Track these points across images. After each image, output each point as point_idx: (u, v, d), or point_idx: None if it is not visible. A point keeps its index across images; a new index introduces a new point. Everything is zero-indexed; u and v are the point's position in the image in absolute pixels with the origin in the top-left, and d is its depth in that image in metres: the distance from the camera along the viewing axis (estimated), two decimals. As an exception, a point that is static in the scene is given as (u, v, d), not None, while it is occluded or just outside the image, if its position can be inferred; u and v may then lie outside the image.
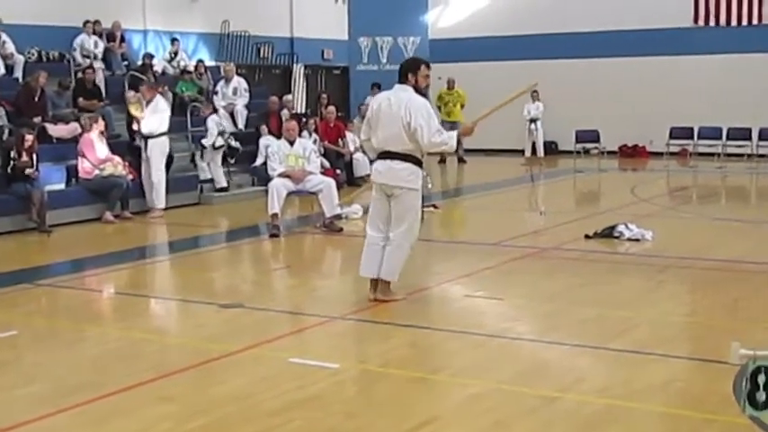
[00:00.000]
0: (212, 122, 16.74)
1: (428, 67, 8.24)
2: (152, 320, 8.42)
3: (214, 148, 16.48)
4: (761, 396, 3.03)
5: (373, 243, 8.17)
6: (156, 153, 14.64)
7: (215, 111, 17.59)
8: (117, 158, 14.46)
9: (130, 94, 15.94)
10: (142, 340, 7.28)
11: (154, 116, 14.65)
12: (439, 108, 24.23)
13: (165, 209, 14.60)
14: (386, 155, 8.01)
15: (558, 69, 24.57)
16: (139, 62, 19.36)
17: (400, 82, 8.13)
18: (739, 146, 22.40)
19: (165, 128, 14.79)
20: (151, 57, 19.54)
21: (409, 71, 8.09)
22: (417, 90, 8.04)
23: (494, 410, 5.45)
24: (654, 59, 23.98)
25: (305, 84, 24.83)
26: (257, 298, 8.80)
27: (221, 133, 16.55)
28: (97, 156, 14.25)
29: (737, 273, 9.48)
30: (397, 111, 7.88)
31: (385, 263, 8.09)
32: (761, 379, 3.02)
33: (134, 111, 14.75)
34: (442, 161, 23.38)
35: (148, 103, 14.71)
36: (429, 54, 25.80)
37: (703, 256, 10.34)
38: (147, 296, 9.23)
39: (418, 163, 8.00)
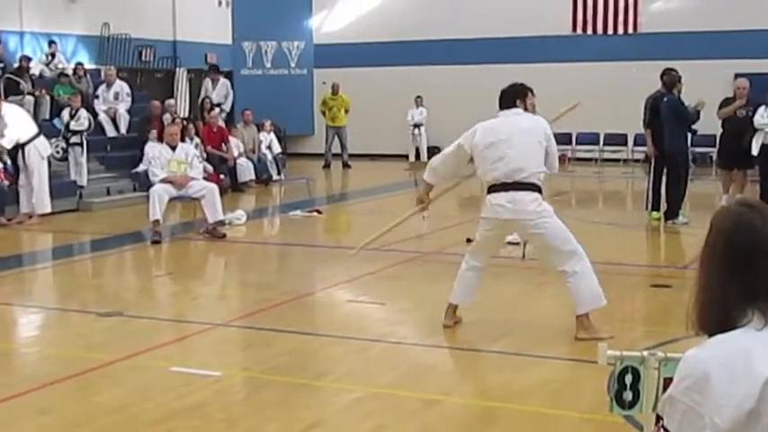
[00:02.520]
0: None
1: (533, 94, 7.65)
2: (28, 331, 8.19)
3: None
4: (628, 395, 3.14)
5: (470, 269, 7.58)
6: (34, 157, 14.22)
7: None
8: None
9: None
10: (18, 351, 7.10)
11: (10, 128, 14.09)
12: (323, 113, 24.28)
13: (43, 215, 14.21)
14: (509, 186, 7.15)
15: (442, 75, 24.87)
16: (16, 65, 18.82)
17: (506, 107, 7.42)
18: (615, 151, 23.08)
19: (32, 131, 14.32)
20: (28, 59, 19.01)
21: (517, 97, 7.44)
22: None
23: (376, 415, 5.50)
24: (533, 66, 24.39)
25: (188, 88, 24.54)
26: (138, 306, 8.66)
27: None
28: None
29: (613, 275, 9.73)
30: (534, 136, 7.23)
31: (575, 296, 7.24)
32: (628, 378, 3.13)
33: None
34: (327, 166, 23.41)
35: None
36: (313, 59, 25.91)
37: (580, 259, 10.60)
38: (23, 305, 8.98)
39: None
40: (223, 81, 21.31)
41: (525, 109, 7.45)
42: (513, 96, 7.47)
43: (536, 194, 7.19)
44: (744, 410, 2.00)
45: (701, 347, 2.13)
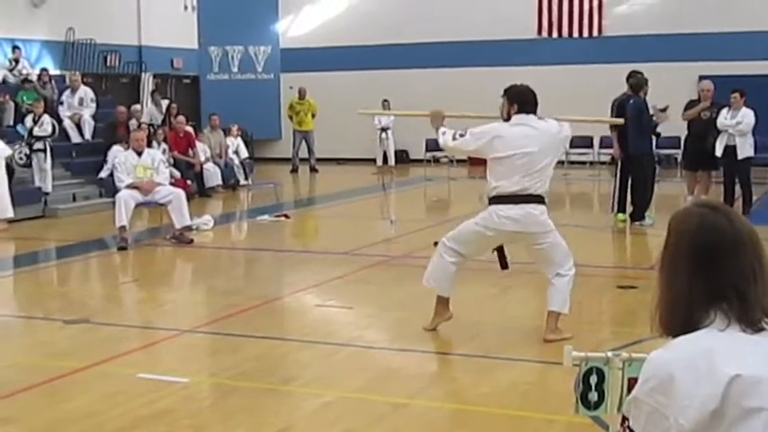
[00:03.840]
0: None
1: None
2: (-7, 339, 8.12)
3: None
4: (593, 396, 3.15)
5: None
6: None
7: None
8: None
9: None
10: (-18, 360, 7.02)
11: None
12: (290, 117, 24.23)
13: (8, 221, 14.06)
14: (521, 199, 6.96)
15: (408, 79, 24.90)
16: (-22, 70, 18.66)
17: (530, 112, 7.04)
18: (582, 153, 23.20)
19: None
20: (-9, 65, 18.86)
21: (536, 102, 7.12)
22: None
23: (344, 419, 5.50)
24: (499, 69, 24.47)
25: (150, 92, 24.38)
26: (104, 313, 8.59)
27: None
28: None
29: (579, 277, 9.74)
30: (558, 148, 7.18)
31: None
32: (593, 379, 3.15)
33: None
34: (294, 170, 23.37)
35: None
36: (280, 63, 25.86)
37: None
38: (-13, 313, 8.90)
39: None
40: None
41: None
42: (536, 100, 7.10)
43: (543, 207, 7.10)
44: (708, 411, 2.01)
45: (664, 349, 2.14)
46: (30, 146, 15.99)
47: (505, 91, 7.21)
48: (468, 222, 7.35)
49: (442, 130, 7.48)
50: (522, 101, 7.05)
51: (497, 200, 7.01)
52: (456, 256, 7.33)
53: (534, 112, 7.03)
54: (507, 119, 7.11)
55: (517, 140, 6.90)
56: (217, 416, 5.69)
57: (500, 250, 7.35)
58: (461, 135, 7.23)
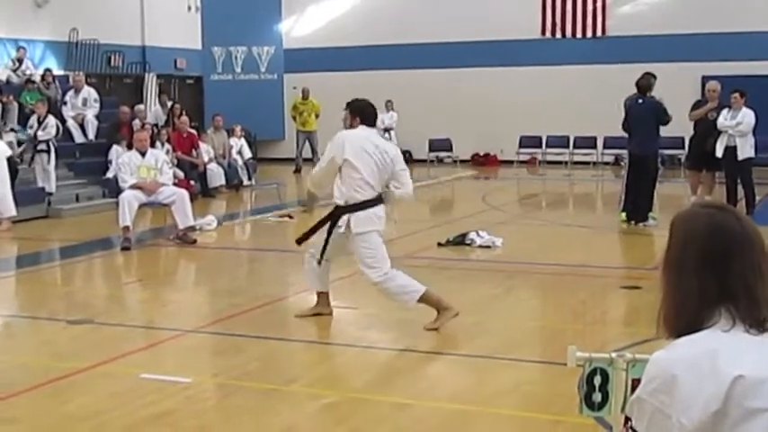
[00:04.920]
0: None
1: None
2: (-4, 339, 8.13)
3: None
4: (597, 397, 3.15)
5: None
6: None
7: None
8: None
9: None
10: (-15, 360, 7.03)
11: None
12: (294, 118, 24.23)
13: (12, 220, 14.07)
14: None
15: (411, 79, 24.91)
16: (-18, 71, 18.68)
17: (371, 125, 7.72)
18: (585, 154, 23.21)
19: None
20: (-6, 65, 18.88)
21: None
22: None
23: (347, 420, 5.50)
24: (504, 70, 24.58)
25: (157, 93, 24.41)
26: (108, 313, 8.59)
27: None
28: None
29: (583, 277, 9.80)
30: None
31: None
32: (596, 380, 3.14)
33: None
34: (298, 171, 23.37)
35: None
36: (283, 64, 25.88)
37: (551, 262, 10.63)
38: (-9, 314, 8.91)
39: None
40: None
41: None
42: (376, 115, 7.95)
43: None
44: (710, 411, 2.01)
45: (668, 349, 2.14)
46: (34, 146, 15.99)
47: (348, 104, 7.78)
48: None
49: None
50: (364, 115, 7.60)
51: (378, 202, 7.57)
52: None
53: (374, 126, 7.71)
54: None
55: (357, 148, 7.42)
56: (220, 416, 5.69)
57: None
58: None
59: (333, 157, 7.46)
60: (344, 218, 7.47)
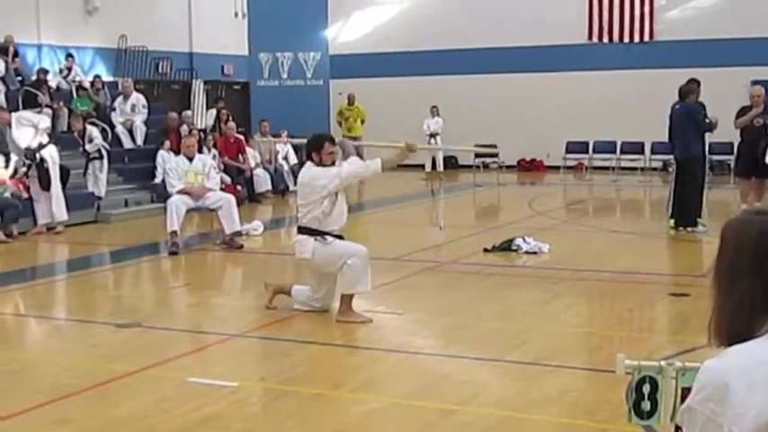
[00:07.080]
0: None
1: (332, 143, 8.28)
2: (47, 342, 8.22)
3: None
4: (646, 405, 3.12)
5: None
6: (49, 163, 14.29)
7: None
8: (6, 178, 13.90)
9: None
10: (36, 362, 7.12)
11: (22, 138, 14.20)
12: (339, 123, 24.31)
13: (64, 226, 14.25)
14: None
15: (457, 85, 24.89)
16: (33, 77, 18.93)
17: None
18: (633, 159, 23.01)
19: (43, 139, 14.41)
20: (45, 72, 19.11)
21: (313, 150, 8.13)
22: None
23: (392, 425, 5.50)
24: (550, 75, 24.47)
25: (205, 99, 24.61)
26: (156, 317, 8.69)
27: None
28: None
29: (630, 284, 9.72)
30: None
31: None
32: (645, 388, 3.11)
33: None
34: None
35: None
36: (329, 70, 25.96)
37: (598, 268, 10.58)
38: (41, 317, 9.03)
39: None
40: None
41: (321, 160, 8.03)
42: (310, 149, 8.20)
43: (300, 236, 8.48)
44: (763, 420, 1.99)
45: (719, 357, 2.11)
46: (87, 157, 16.13)
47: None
48: None
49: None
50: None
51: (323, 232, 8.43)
52: None
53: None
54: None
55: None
56: (267, 420, 5.71)
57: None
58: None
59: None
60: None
